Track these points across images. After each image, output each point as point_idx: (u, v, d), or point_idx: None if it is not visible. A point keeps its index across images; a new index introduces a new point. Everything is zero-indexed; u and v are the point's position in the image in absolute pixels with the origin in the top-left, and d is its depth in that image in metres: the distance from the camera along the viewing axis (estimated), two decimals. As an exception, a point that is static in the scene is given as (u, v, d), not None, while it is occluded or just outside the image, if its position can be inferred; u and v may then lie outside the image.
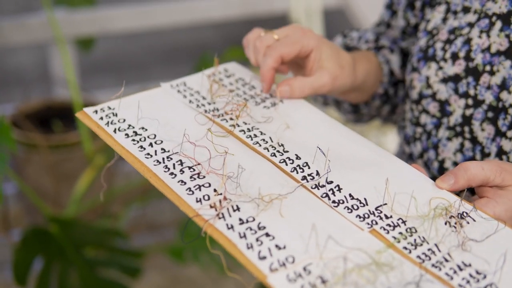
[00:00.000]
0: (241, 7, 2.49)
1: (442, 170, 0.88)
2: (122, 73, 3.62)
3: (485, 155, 0.83)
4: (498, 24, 0.83)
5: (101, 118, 0.74)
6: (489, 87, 0.83)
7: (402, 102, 1.01)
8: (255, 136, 0.74)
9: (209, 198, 0.64)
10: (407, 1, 0.97)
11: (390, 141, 2.37)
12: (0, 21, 2.09)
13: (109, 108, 0.76)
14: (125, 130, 0.73)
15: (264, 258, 0.58)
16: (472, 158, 0.85)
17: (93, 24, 2.21)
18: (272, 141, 0.74)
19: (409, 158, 0.95)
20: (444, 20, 0.90)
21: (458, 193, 0.77)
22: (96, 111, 0.75)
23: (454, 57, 0.86)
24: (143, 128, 0.73)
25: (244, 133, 0.75)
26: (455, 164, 0.86)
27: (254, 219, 0.62)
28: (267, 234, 0.60)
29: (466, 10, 0.87)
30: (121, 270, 1.59)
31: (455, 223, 0.65)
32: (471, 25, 0.86)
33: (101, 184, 1.83)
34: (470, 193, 0.83)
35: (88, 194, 1.85)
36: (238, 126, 0.75)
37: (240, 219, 0.62)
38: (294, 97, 0.81)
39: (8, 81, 3.43)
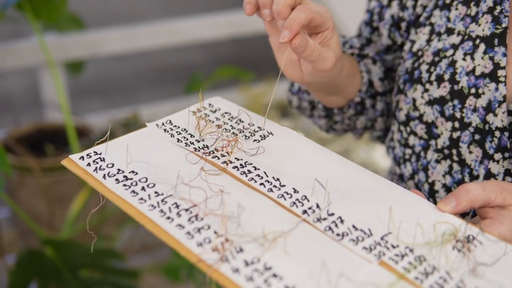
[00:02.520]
0: (228, 28, 2.52)
1: (432, 193, 0.88)
2: (111, 96, 3.64)
3: (473, 178, 0.83)
4: (482, 47, 0.83)
5: (89, 164, 0.71)
6: (475, 110, 0.82)
7: (382, 117, 1.01)
8: (249, 172, 0.72)
9: (210, 241, 0.61)
10: (392, 21, 0.97)
11: (379, 156, 2.39)
12: (-10, 47, 2.10)
13: (96, 153, 0.73)
14: (115, 175, 0.70)
15: None
16: (461, 181, 0.85)
17: (82, 47, 2.23)
18: (267, 176, 0.72)
19: (400, 179, 0.95)
20: (429, 41, 0.90)
21: (462, 214, 0.78)
22: (82, 157, 0.72)
23: (439, 79, 0.86)
24: (133, 171, 0.70)
25: (238, 169, 0.73)
26: (445, 186, 0.86)
27: (259, 260, 0.60)
28: (274, 275, 0.59)
29: (449, 31, 0.88)
30: (117, 291, 1.59)
31: (463, 247, 0.64)
32: (455, 47, 0.86)
33: (94, 205, 1.83)
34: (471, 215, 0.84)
35: (82, 216, 1.85)
36: (231, 162, 0.73)
37: (245, 261, 0.60)
38: (305, 54, 0.77)
39: (0, 106, 3.43)
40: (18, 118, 2.31)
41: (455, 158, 0.85)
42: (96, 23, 3.23)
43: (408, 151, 0.91)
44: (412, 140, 0.90)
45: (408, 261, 0.62)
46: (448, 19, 0.89)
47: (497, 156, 0.81)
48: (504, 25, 0.82)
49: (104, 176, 0.69)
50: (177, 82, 3.38)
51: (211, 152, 0.75)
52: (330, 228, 0.65)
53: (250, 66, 2.95)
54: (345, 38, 1.01)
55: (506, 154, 0.80)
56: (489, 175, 0.81)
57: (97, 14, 4.22)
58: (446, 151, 0.86)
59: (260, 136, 0.79)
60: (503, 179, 0.80)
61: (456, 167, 0.85)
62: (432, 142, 0.87)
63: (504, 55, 0.81)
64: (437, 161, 0.87)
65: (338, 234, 0.65)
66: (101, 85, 3.74)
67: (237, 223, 0.64)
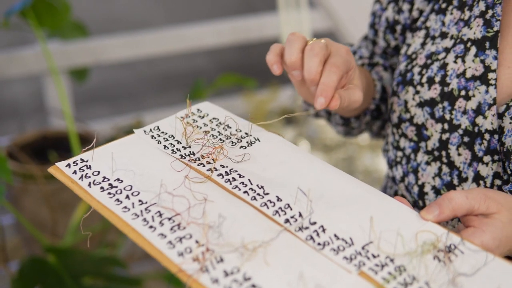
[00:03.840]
0: (232, 34, 2.52)
1: (422, 195, 0.88)
2: (117, 102, 3.64)
3: (462, 180, 0.83)
4: (473, 50, 0.84)
5: (75, 172, 0.71)
6: (464, 112, 0.83)
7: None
8: (234, 179, 0.72)
9: (191, 251, 0.61)
10: (386, 24, 0.98)
11: (384, 163, 2.38)
12: (-5, 55, 2.11)
13: (82, 160, 0.73)
14: (100, 183, 0.70)
15: None
16: (450, 183, 0.85)
17: (86, 54, 2.23)
18: (251, 184, 0.72)
19: (392, 182, 0.95)
20: (423, 45, 0.91)
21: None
22: (69, 165, 0.72)
23: (430, 81, 0.87)
24: (118, 179, 0.70)
25: (222, 177, 0.72)
26: (434, 188, 0.86)
27: (239, 270, 0.60)
28: (253, 285, 0.59)
29: (443, 35, 0.88)
30: (119, 298, 1.59)
31: (444, 257, 0.64)
32: (447, 50, 0.87)
33: (98, 213, 1.83)
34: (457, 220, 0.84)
35: (85, 224, 1.85)
36: (216, 170, 0.73)
37: (225, 271, 0.60)
38: (337, 106, 0.78)
39: (5, 113, 3.44)
40: (23, 125, 2.32)
41: (444, 160, 0.85)
42: (100, 30, 3.24)
43: (399, 153, 0.91)
44: (403, 142, 0.90)
45: (388, 271, 0.62)
46: (443, 23, 0.89)
47: (486, 158, 0.81)
48: (495, 28, 0.83)
49: (89, 184, 0.70)
50: (182, 88, 3.39)
51: (197, 159, 0.75)
52: (311, 238, 0.65)
53: (255, 72, 2.95)
54: (353, 48, 1.03)
55: (496, 157, 0.80)
56: (478, 178, 0.81)
57: (101, 21, 4.23)
58: (435, 153, 0.86)
59: (247, 142, 0.79)
60: (492, 182, 0.80)
61: (445, 169, 0.85)
62: (422, 144, 0.88)
63: (495, 58, 0.82)
64: (427, 163, 0.87)
65: (319, 244, 0.65)
66: (107, 92, 3.75)
67: (219, 233, 0.64)
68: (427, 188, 0.87)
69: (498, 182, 0.80)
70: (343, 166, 2.34)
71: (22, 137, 2.10)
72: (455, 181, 0.84)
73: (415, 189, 0.89)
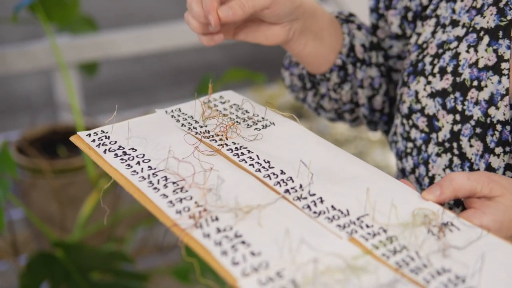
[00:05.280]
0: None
1: None
2: (128, 97, 3.65)
3: None
4: (486, 39, 0.82)
5: (93, 141, 0.77)
6: (477, 103, 0.81)
7: (363, 90, 0.99)
8: (242, 154, 0.75)
9: (189, 210, 0.65)
10: (404, 12, 0.95)
11: (394, 158, 2.37)
12: (5, 49, 2.12)
13: (102, 131, 0.78)
14: (115, 150, 0.75)
15: (237, 263, 0.58)
16: None
17: (96, 49, 2.23)
18: (258, 159, 0.74)
19: (402, 173, 0.94)
20: (434, 33, 0.89)
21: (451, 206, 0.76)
22: (89, 135, 0.78)
23: (442, 72, 0.85)
24: (133, 148, 0.75)
25: (232, 151, 0.76)
26: None
27: (231, 228, 0.63)
28: (243, 242, 0.61)
29: (454, 23, 0.87)
30: (127, 293, 1.59)
31: (438, 231, 0.64)
32: (459, 39, 0.85)
33: (106, 207, 1.83)
34: (462, 207, 0.83)
35: (94, 218, 1.86)
36: (227, 145, 0.77)
37: (218, 228, 0.62)
38: (236, 17, 0.80)
39: (17, 107, 3.46)
40: (34, 119, 2.32)
41: (456, 151, 0.84)
42: (111, 25, 3.24)
43: (410, 144, 0.90)
44: (413, 133, 0.89)
45: (379, 240, 0.63)
46: (453, 11, 0.87)
47: (498, 150, 0.79)
48: (509, 17, 0.81)
49: (105, 151, 0.74)
50: (193, 82, 3.38)
51: (211, 136, 0.78)
52: (308, 206, 0.67)
53: (268, 66, 2.94)
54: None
55: (507, 148, 0.79)
56: (489, 169, 0.80)
57: (112, 16, 4.24)
58: (446, 145, 0.85)
59: (262, 125, 0.82)
60: (503, 174, 0.79)
61: (456, 160, 0.84)
62: (433, 135, 0.86)
63: (508, 47, 0.80)
64: (438, 155, 0.86)
65: (315, 212, 0.66)
66: (119, 86, 3.75)
67: (218, 195, 0.67)
68: (438, 180, 0.85)
69: (509, 174, 0.79)
70: (353, 161, 2.33)
71: (32, 132, 2.11)
72: None
73: (426, 180, 0.87)
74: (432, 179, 0.87)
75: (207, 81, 1.91)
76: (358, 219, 0.66)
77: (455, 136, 0.84)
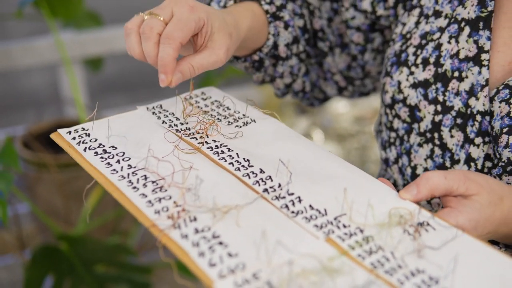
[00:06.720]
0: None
1: (414, 177, 0.87)
2: (134, 92, 3.66)
3: (454, 162, 0.82)
4: (467, 30, 0.83)
5: (74, 138, 0.76)
6: (457, 93, 0.82)
7: (282, 79, 0.99)
8: (222, 152, 0.75)
9: (168, 210, 0.64)
10: None
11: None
12: (10, 45, 2.13)
13: (83, 129, 0.78)
14: (95, 148, 0.74)
15: (214, 265, 0.59)
16: (442, 165, 0.84)
17: (101, 44, 2.24)
18: (238, 157, 0.74)
19: (385, 163, 0.94)
20: (417, 24, 0.89)
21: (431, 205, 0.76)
22: (70, 132, 0.77)
23: (425, 62, 0.86)
24: (113, 146, 0.75)
25: (212, 149, 0.75)
26: (426, 170, 0.85)
27: (209, 229, 0.62)
28: (220, 243, 0.61)
29: (437, 14, 0.87)
30: (131, 286, 1.60)
31: (414, 232, 0.64)
32: (441, 30, 0.86)
33: (110, 201, 1.85)
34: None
35: (98, 211, 1.87)
36: (207, 143, 0.76)
37: (196, 229, 0.62)
38: (185, 79, 0.78)
39: (22, 103, 3.48)
40: (40, 115, 2.34)
41: (437, 142, 0.84)
42: (114, 19, 3.25)
43: (393, 134, 0.91)
44: (396, 123, 0.90)
45: (355, 240, 0.64)
46: (436, 1, 0.88)
47: (478, 140, 0.80)
48: (489, 8, 0.81)
49: (85, 149, 0.74)
50: (198, 76, 3.39)
51: (191, 134, 0.78)
52: (286, 206, 0.67)
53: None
54: None
55: (487, 139, 0.79)
56: (469, 160, 0.81)
57: (114, 11, 4.24)
58: (428, 135, 0.85)
59: (243, 122, 0.81)
60: (483, 164, 0.80)
61: (437, 151, 0.84)
62: (415, 125, 0.87)
63: (489, 39, 0.81)
64: (420, 145, 0.86)
65: (293, 212, 0.66)
66: (124, 81, 3.77)
67: (197, 196, 0.66)
68: (420, 170, 0.86)
69: (489, 164, 0.79)
70: (355, 156, 2.34)
71: (38, 127, 2.12)
72: (447, 163, 0.83)
73: (408, 171, 0.88)
74: (414, 169, 0.87)
75: (209, 76, 1.92)
76: (335, 219, 0.66)
77: (436, 126, 0.84)
